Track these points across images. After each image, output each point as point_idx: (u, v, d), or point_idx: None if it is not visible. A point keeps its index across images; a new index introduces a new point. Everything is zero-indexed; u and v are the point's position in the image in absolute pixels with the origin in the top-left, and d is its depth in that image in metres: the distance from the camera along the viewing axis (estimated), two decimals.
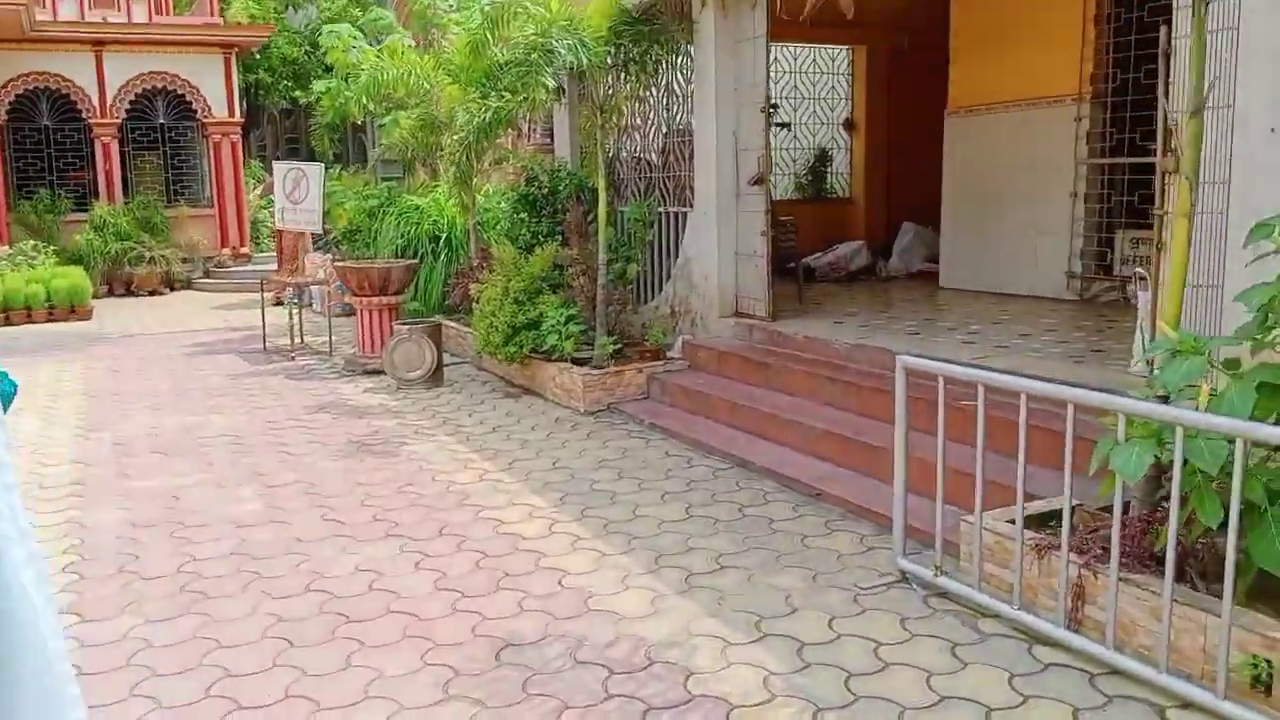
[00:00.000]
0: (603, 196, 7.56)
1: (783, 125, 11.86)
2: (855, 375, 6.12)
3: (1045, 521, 4.06)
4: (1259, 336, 3.20)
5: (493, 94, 7.57)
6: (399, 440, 6.53)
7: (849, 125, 12.26)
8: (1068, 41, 7.95)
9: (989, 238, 8.85)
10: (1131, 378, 5.02)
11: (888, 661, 3.44)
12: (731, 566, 4.30)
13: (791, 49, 11.85)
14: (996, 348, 6.11)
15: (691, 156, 8.02)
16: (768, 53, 7.32)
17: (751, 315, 7.67)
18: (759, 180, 7.47)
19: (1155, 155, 7.04)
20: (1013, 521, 3.92)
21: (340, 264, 9.59)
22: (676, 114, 8.32)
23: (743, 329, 7.58)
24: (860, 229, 12.08)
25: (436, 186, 10.93)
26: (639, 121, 8.82)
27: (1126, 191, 7.70)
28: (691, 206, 8.08)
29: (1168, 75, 4.53)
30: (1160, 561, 3.38)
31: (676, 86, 8.25)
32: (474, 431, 6.73)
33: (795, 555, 4.42)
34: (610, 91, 7.84)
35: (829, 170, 12.42)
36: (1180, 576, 3.37)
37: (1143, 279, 4.93)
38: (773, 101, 7.98)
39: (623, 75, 7.86)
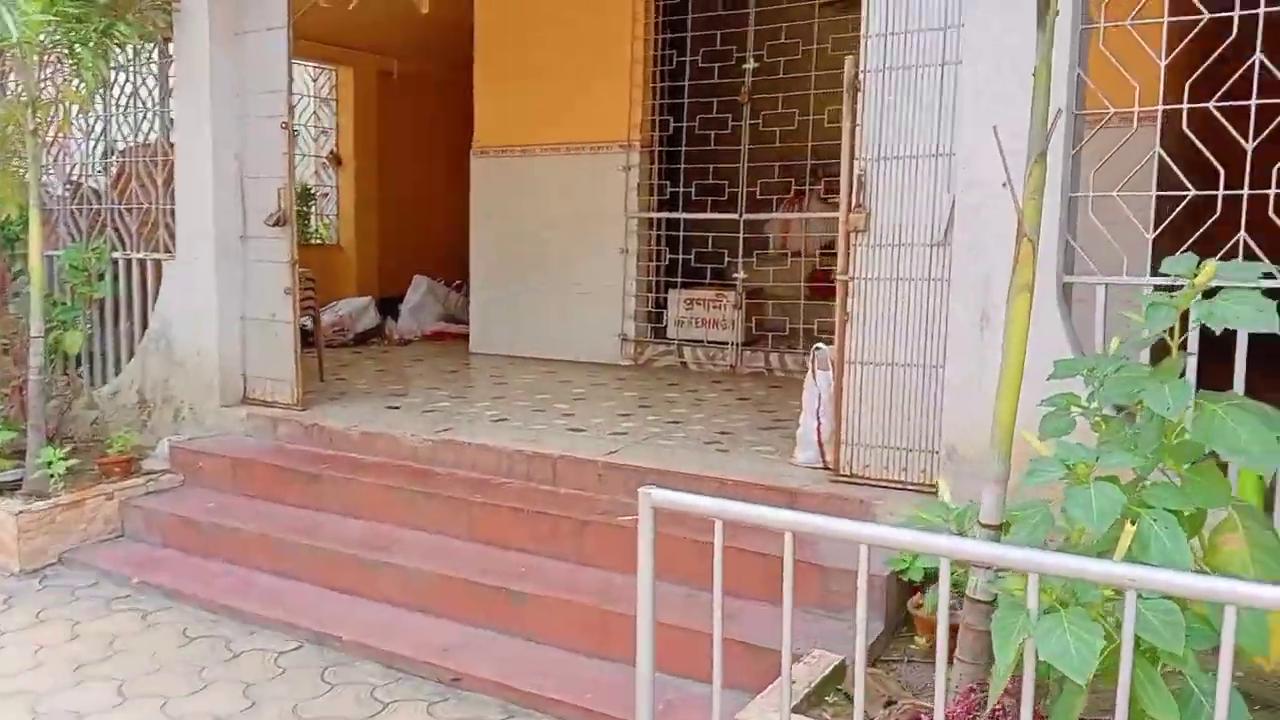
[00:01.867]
0: (36, 236, 5.12)
1: None
2: (454, 485, 4.67)
3: (817, 702, 3.07)
4: (1158, 445, 2.48)
5: None
6: None
7: (335, 159, 10.62)
8: (613, 83, 7.35)
9: (529, 297, 7.93)
10: (803, 471, 4.29)
11: None
12: None
13: None
14: (614, 436, 5.08)
15: (170, 184, 5.88)
16: (289, 48, 5.56)
17: (271, 403, 5.77)
18: (281, 220, 5.64)
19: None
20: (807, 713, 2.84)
21: None
22: (143, 124, 6.09)
23: (262, 424, 5.64)
24: (352, 282, 10.51)
25: None
26: (77, 132, 6.36)
27: (682, 249, 7.27)
28: (172, 253, 5.93)
29: (854, 115, 3.89)
30: None
31: (143, 86, 6.03)
32: None
33: None
34: (47, 84, 5.39)
35: (312, 211, 10.64)
36: None
37: (819, 349, 4.24)
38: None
39: (65, 63, 5.47)
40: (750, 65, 6.81)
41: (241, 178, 5.81)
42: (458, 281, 9.99)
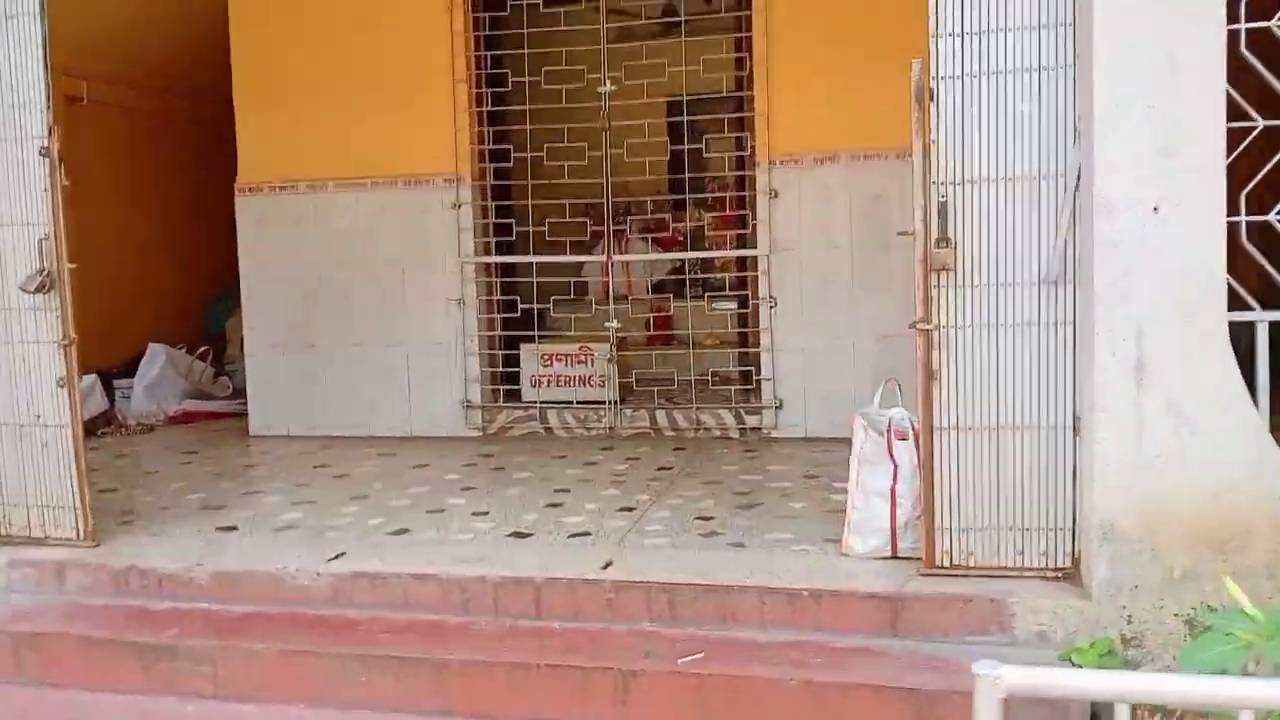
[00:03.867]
0: None
1: None
2: (397, 638, 3.43)
3: None
4: None
5: None
6: None
7: None
8: (430, 106, 6.21)
9: (331, 362, 6.53)
10: (874, 565, 3.52)
11: None
12: None
13: None
14: (576, 539, 4.03)
15: None
16: (45, 43, 3.99)
17: (45, 540, 4.13)
18: (47, 284, 4.01)
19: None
20: None
21: None
22: None
23: (39, 574, 3.99)
24: None
25: None
26: None
27: (537, 297, 6.25)
28: None
29: (926, 131, 3.25)
30: None
31: None
32: None
33: None
34: None
35: None
36: None
37: (899, 414, 3.52)
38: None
39: None
40: (607, 88, 5.96)
41: None
42: (203, 349, 8.21)
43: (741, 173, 6.30)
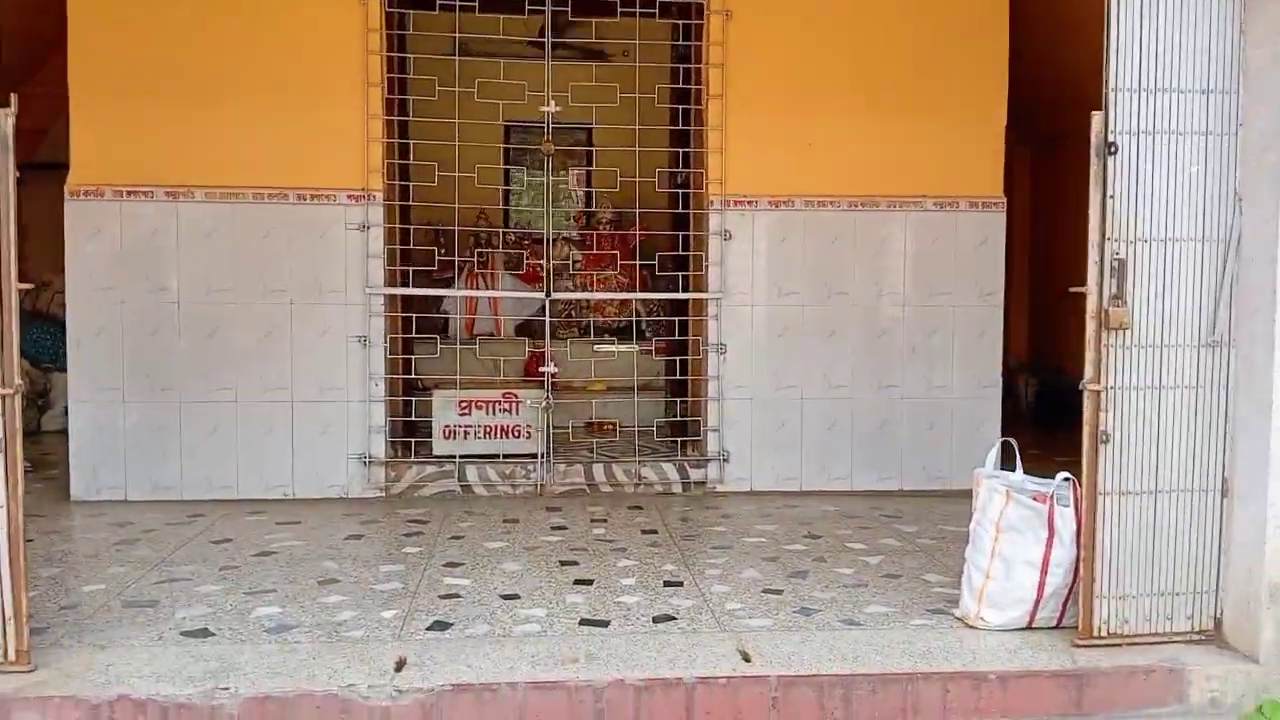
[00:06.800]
0: None
1: None
2: None
3: None
4: None
5: None
6: None
7: None
8: (336, 109, 5.48)
9: (194, 412, 5.53)
10: (1007, 637, 3.46)
11: None
12: None
13: None
14: (668, 627, 3.62)
15: None
16: None
17: None
18: None
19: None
20: None
21: None
22: None
23: None
24: None
25: None
26: None
27: (458, 337, 5.65)
28: None
29: (1105, 185, 3.33)
30: None
31: None
32: None
33: None
34: None
35: None
36: None
37: (1068, 479, 3.52)
38: None
39: None
40: (551, 108, 5.53)
41: None
42: None
43: (669, 210, 6.12)
